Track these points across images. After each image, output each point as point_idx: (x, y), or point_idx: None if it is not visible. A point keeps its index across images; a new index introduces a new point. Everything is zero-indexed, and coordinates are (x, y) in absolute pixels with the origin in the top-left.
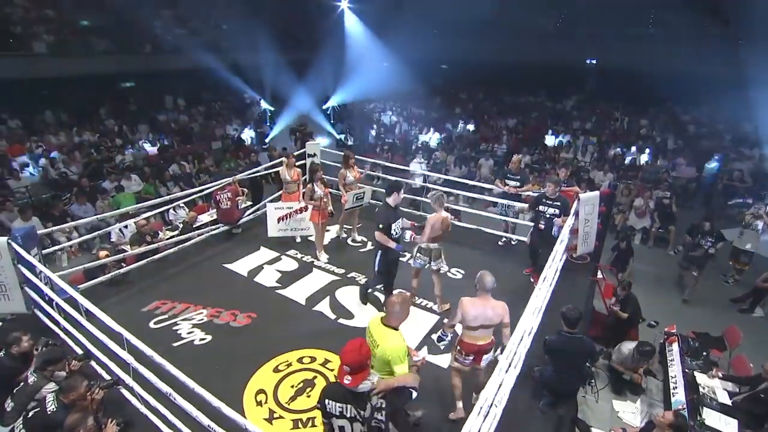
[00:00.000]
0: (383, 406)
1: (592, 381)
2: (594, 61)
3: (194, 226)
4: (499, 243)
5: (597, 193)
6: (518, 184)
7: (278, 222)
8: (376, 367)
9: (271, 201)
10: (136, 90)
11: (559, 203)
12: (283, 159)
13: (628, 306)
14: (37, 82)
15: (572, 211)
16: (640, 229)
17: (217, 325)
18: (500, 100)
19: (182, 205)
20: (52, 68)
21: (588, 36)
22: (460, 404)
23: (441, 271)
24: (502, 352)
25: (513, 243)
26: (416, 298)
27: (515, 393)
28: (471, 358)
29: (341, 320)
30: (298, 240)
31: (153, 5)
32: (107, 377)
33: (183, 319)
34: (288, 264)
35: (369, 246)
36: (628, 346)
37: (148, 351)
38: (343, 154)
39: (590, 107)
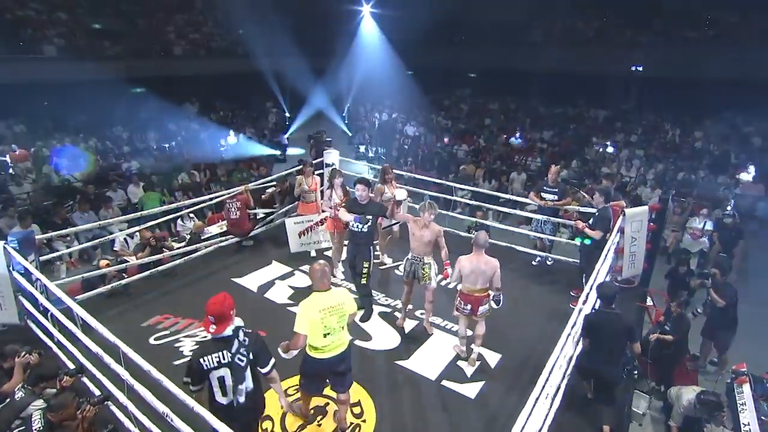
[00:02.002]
0: (246, 343)
1: (634, 372)
2: (639, 68)
3: (203, 237)
4: (533, 263)
5: (645, 207)
6: (555, 197)
7: (299, 237)
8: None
9: (288, 215)
10: (147, 96)
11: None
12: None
13: (679, 329)
14: (45, 86)
15: (616, 227)
16: (696, 252)
17: None
18: (534, 111)
19: (191, 215)
20: (61, 72)
21: (632, 41)
22: (464, 347)
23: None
24: (498, 304)
25: (549, 263)
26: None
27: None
28: (469, 307)
29: (358, 342)
30: (313, 254)
31: (166, 10)
32: (99, 393)
33: (186, 336)
34: (301, 279)
35: (391, 264)
36: (688, 397)
37: (146, 365)
38: (381, 167)
39: (635, 118)
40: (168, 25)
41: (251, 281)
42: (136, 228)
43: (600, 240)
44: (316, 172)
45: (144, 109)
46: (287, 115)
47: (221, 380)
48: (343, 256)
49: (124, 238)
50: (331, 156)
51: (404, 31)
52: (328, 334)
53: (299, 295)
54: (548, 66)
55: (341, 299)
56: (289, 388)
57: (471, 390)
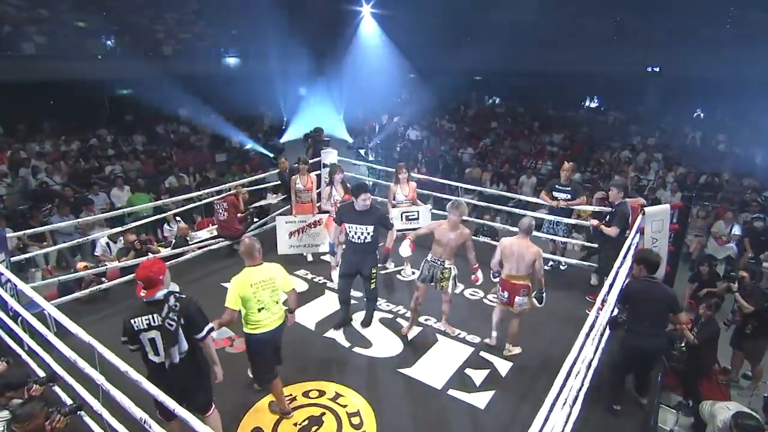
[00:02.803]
0: (177, 308)
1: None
2: (657, 69)
3: (190, 242)
4: (546, 268)
5: (667, 206)
6: (568, 197)
7: (289, 237)
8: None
9: (281, 214)
10: (134, 99)
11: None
12: (293, 166)
13: (705, 333)
14: (24, 86)
15: (635, 226)
16: (723, 258)
17: None
18: (543, 114)
19: (178, 218)
20: (41, 71)
21: (649, 40)
22: (495, 333)
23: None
24: (540, 302)
25: (562, 267)
26: (453, 329)
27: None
28: (506, 295)
29: (357, 349)
30: (310, 259)
31: (156, 7)
32: (70, 403)
33: None
34: (297, 284)
35: (393, 268)
36: (723, 417)
37: (123, 366)
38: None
39: (653, 120)
40: (157, 23)
41: None
42: (119, 228)
43: (618, 239)
44: (314, 173)
45: (131, 112)
46: (285, 118)
47: (152, 341)
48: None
49: (107, 243)
50: (330, 156)
51: (406, 32)
52: (263, 308)
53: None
54: (559, 67)
55: (273, 274)
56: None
57: (480, 400)
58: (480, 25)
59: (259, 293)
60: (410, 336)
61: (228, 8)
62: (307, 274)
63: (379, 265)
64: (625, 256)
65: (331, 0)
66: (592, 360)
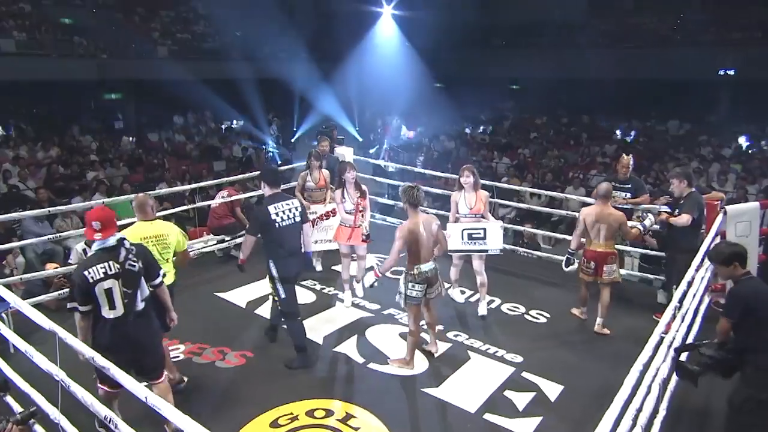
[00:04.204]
0: (134, 251)
1: None
2: (731, 72)
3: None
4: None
5: (755, 204)
6: (629, 194)
7: None
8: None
9: None
10: (124, 104)
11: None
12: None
13: None
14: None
15: (714, 229)
16: None
17: (198, 365)
18: (592, 124)
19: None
20: (20, 70)
21: (720, 39)
22: (584, 309)
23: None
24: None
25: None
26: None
27: None
28: (593, 265)
29: (372, 365)
30: (319, 268)
31: (149, 5)
32: (21, 410)
33: None
34: (302, 295)
35: None
36: None
37: (88, 351)
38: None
39: (726, 129)
40: (151, 22)
41: (239, 296)
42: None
43: (692, 241)
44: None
45: (118, 118)
46: (294, 125)
47: (108, 292)
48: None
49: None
50: (344, 152)
51: (432, 35)
52: None
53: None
54: (610, 73)
55: (166, 231)
56: (281, 417)
57: (524, 427)
58: (518, 28)
59: (149, 248)
60: (437, 353)
61: (232, 7)
62: (314, 284)
63: None
64: (700, 266)
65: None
66: (667, 378)
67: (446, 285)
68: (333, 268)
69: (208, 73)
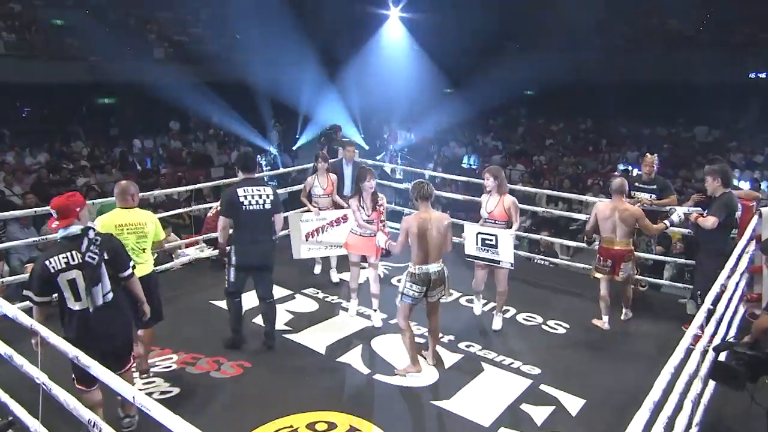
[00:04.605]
0: (98, 241)
1: None
2: (762, 75)
3: (175, 259)
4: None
5: None
6: (653, 196)
7: (306, 239)
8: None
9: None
10: (119, 109)
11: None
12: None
13: None
14: None
15: (747, 233)
16: None
17: (191, 375)
18: (612, 131)
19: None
20: (9, 72)
21: (751, 39)
22: (606, 318)
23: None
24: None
25: (642, 288)
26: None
27: None
28: (610, 263)
29: (378, 376)
30: (317, 271)
31: (147, 5)
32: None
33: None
34: (304, 304)
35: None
36: None
37: (71, 350)
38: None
39: (757, 135)
40: (147, 23)
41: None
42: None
43: (721, 245)
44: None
45: (113, 123)
46: (298, 131)
47: (72, 283)
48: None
49: None
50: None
51: (441, 39)
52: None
53: (301, 320)
54: (632, 77)
55: (144, 219)
56: (281, 430)
57: None
58: (532, 30)
59: (124, 236)
60: (447, 361)
61: (232, 10)
62: (317, 292)
63: None
64: (732, 271)
65: (350, 2)
66: (701, 394)
67: (457, 293)
68: (342, 276)
69: (206, 77)
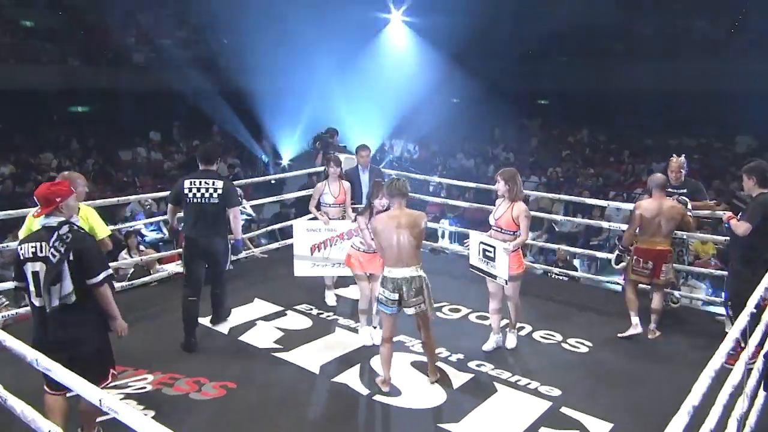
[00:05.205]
0: (68, 239)
1: None
2: None
3: (153, 274)
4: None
5: None
6: (685, 200)
7: (311, 253)
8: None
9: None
10: (93, 117)
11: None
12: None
13: None
14: None
15: None
16: None
17: (168, 397)
18: (636, 141)
19: (142, 248)
20: None
21: None
22: (636, 320)
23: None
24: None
25: (674, 303)
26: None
27: None
28: (650, 265)
29: (380, 398)
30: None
31: (127, 6)
32: None
33: (111, 386)
34: (296, 321)
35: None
36: None
37: (30, 353)
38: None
39: None
40: (127, 26)
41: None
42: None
43: (755, 244)
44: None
45: (88, 134)
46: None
47: (35, 276)
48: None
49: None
50: (348, 162)
51: (448, 45)
52: None
53: (292, 338)
54: (655, 84)
55: (83, 214)
56: None
57: None
58: (546, 36)
59: None
60: (455, 382)
61: (220, 13)
62: (311, 309)
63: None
64: None
65: (349, 3)
66: (745, 415)
67: (466, 309)
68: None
69: (191, 83)
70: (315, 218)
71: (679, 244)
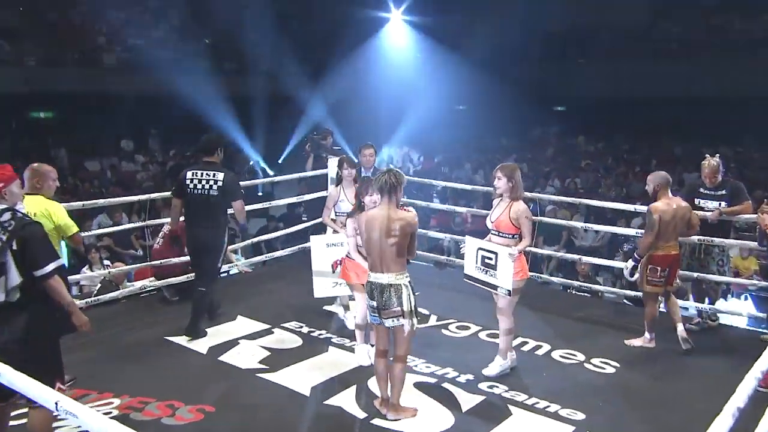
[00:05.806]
0: (10, 226)
1: None
2: None
3: (121, 287)
4: (689, 325)
5: None
6: (723, 204)
7: (333, 270)
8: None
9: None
10: (57, 124)
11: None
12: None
13: None
14: None
15: None
16: None
17: (137, 423)
18: (664, 150)
19: (107, 262)
20: None
21: None
22: (653, 334)
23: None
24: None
25: (712, 321)
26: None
27: None
28: (666, 272)
29: (378, 421)
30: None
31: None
32: None
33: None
34: (284, 339)
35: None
36: None
37: None
38: None
39: None
40: (96, 24)
41: (199, 340)
42: None
43: None
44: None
45: (53, 143)
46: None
47: None
48: None
49: None
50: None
51: (453, 47)
52: None
53: (280, 358)
54: (682, 90)
55: (51, 209)
56: None
57: None
58: (564, 36)
59: None
60: (464, 404)
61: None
62: (301, 326)
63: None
64: None
65: (341, 3)
66: None
67: (475, 327)
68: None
69: (168, 87)
70: (335, 231)
71: (719, 254)
